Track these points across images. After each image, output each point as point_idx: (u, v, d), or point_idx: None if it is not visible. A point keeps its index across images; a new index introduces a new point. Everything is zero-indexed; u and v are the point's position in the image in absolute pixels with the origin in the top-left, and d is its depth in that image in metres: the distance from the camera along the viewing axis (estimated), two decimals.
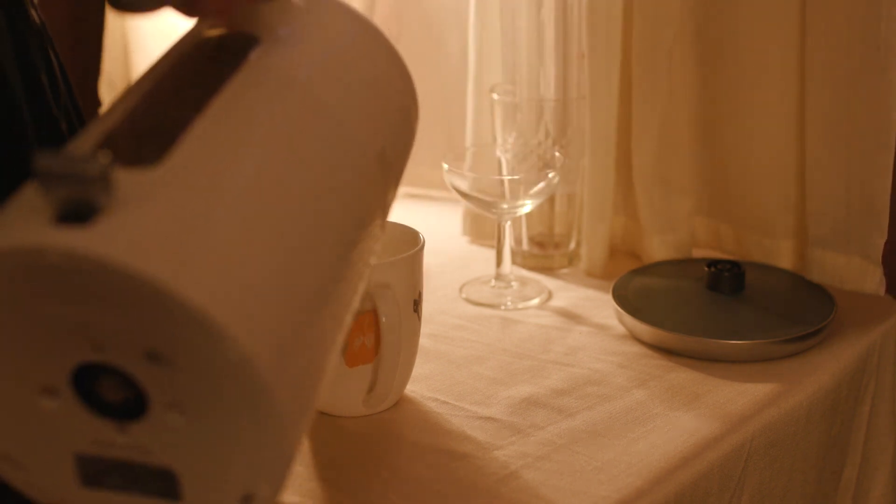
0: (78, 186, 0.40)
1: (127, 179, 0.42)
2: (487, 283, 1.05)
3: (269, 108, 0.51)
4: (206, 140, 0.47)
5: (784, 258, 1.06)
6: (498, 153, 1.08)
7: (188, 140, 0.46)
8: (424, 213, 1.25)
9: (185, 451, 0.44)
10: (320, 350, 0.48)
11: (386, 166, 0.58)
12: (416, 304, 0.80)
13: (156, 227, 0.41)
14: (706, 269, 0.98)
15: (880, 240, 0.98)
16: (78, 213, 0.40)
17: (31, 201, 0.42)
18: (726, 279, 0.96)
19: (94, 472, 0.46)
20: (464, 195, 1.00)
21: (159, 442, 0.44)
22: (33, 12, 0.66)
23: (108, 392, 0.44)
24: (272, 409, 0.42)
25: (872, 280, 0.99)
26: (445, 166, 0.99)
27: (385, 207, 0.59)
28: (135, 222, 0.41)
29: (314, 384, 0.47)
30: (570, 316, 0.99)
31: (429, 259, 1.03)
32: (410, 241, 0.82)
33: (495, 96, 1.08)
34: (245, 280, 0.42)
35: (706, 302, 0.96)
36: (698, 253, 1.12)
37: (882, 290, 0.99)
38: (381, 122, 0.59)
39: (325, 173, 0.51)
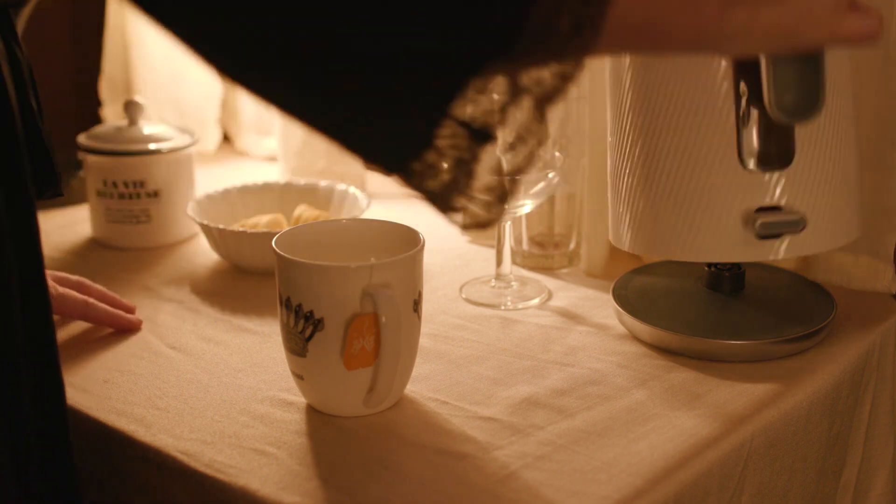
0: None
1: None
2: (487, 283, 1.05)
3: None
4: None
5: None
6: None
7: None
8: (424, 213, 1.25)
9: None
10: None
11: None
12: (416, 304, 0.80)
13: None
14: (706, 269, 0.98)
15: (892, 237, 0.97)
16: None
17: None
18: (726, 279, 0.96)
19: None
20: None
21: None
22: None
23: None
24: None
25: (884, 278, 0.98)
26: None
27: None
28: None
29: None
30: (569, 316, 0.99)
31: (429, 259, 1.03)
32: (410, 241, 0.82)
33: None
34: None
35: (706, 302, 0.96)
36: None
37: (893, 289, 0.99)
38: None
39: None
